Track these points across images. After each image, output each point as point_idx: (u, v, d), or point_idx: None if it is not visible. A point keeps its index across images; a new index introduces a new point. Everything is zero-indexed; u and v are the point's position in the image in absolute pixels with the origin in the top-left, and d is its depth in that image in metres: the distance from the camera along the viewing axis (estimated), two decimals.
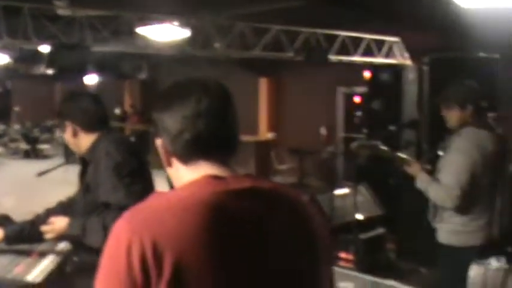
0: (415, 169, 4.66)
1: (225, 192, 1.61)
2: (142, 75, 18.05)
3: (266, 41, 10.51)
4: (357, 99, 13.69)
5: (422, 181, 4.56)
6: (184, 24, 9.78)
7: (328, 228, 1.83)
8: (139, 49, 11.02)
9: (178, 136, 1.69)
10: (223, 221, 1.57)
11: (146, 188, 3.17)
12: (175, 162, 1.75)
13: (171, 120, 1.70)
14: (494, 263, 2.58)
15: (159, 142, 1.77)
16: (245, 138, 14.02)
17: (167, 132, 1.72)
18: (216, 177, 1.65)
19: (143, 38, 10.23)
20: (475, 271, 2.58)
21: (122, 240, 1.53)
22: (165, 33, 9.98)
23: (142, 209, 1.60)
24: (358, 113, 13.24)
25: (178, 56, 11.86)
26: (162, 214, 1.55)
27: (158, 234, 1.51)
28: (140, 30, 10.08)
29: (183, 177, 1.73)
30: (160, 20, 9.77)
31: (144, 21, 9.91)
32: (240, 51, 10.72)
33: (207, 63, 13.46)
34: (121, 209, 1.73)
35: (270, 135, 16.48)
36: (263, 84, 16.80)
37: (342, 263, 6.58)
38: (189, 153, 1.71)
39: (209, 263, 1.52)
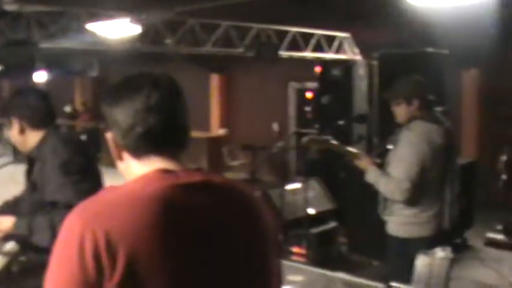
0: (364, 163, 4.71)
1: (176, 186, 1.61)
2: (93, 73, 17.76)
3: (216, 37, 10.46)
4: (309, 95, 13.76)
5: (371, 174, 4.62)
6: (134, 20, 9.69)
7: (278, 223, 1.84)
8: (89, 46, 10.87)
9: (129, 130, 1.68)
10: (174, 214, 1.57)
11: (95, 186, 3.12)
12: (126, 156, 1.75)
13: (122, 114, 1.69)
14: (440, 253, 2.62)
15: (109, 136, 1.76)
16: (197, 134, 13.93)
17: (118, 126, 1.70)
18: (166, 171, 1.65)
19: (93, 34, 10.10)
20: (420, 261, 2.63)
21: (73, 234, 1.51)
22: (116, 29, 9.86)
23: (94, 203, 1.60)
24: (307, 108, 13.34)
25: (129, 52, 11.74)
26: (114, 207, 1.55)
27: (111, 227, 1.49)
28: (90, 26, 9.95)
29: (134, 171, 1.72)
30: (110, 16, 9.65)
31: (94, 17, 9.79)
32: (190, 48, 10.64)
33: (158, 60, 13.36)
34: (69, 207, 1.70)
35: (222, 132, 16.45)
36: (215, 81, 16.77)
37: (294, 257, 6.61)
38: (141, 148, 1.70)
39: (161, 257, 1.52)
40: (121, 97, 1.70)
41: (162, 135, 1.69)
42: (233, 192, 1.76)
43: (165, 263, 1.53)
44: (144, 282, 1.49)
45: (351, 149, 4.88)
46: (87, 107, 20.25)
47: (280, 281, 1.84)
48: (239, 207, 1.74)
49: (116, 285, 1.47)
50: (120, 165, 1.78)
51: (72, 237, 1.50)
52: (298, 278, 2.85)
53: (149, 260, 1.50)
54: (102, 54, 15.10)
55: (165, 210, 1.55)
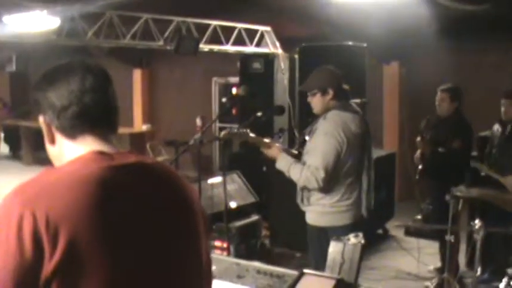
0: (274, 151, 4.71)
1: (112, 167, 1.65)
2: (12, 68, 17.28)
3: (136, 30, 10.27)
4: (234, 90, 13.72)
5: (281, 162, 4.63)
6: (52, 12, 9.43)
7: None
8: (6, 39, 10.53)
9: (65, 110, 1.71)
10: (112, 195, 1.61)
11: None
12: (60, 139, 1.76)
13: (57, 96, 1.72)
14: (352, 239, 2.64)
15: (41, 120, 1.77)
16: (120, 130, 13.66)
17: (53, 108, 1.73)
18: (102, 153, 1.70)
19: (10, 27, 9.78)
20: (333, 248, 2.65)
21: (12, 215, 1.50)
22: (34, 22, 9.58)
23: (33, 184, 1.59)
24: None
25: (49, 47, 11.44)
26: (53, 189, 1.56)
27: (51, 207, 1.50)
28: (6, 19, 9.63)
29: (68, 153, 1.75)
30: (27, 8, 9.36)
31: (10, 9, 9.48)
32: (109, 41, 10.43)
33: (79, 54, 13.08)
34: None
35: (145, 127, 16.25)
36: (137, 75, 16.50)
37: (217, 251, 6.57)
38: (76, 127, 1.73)
39: (101, 237, 1.54)
40: (56, 81, 1.73)
41: (96, 114, 1.74)
42: (165, 173, 1.82)
43: (105, 243, 1.54)
44: (84, 262, 1.50)
45: (264, 139, 4.85)
46: (4, 103, 19.60)
47: (210, 259, 1.93)
48: (171, 187, 1.80)
49: (55, 265, 1.46)
50: (52, 149, 1.80)
51: (10, 218, 1.49)
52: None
53: (89, 240, 1.51)
54: (22, 49, 14.69)
55: (103, 191, 1.58)
